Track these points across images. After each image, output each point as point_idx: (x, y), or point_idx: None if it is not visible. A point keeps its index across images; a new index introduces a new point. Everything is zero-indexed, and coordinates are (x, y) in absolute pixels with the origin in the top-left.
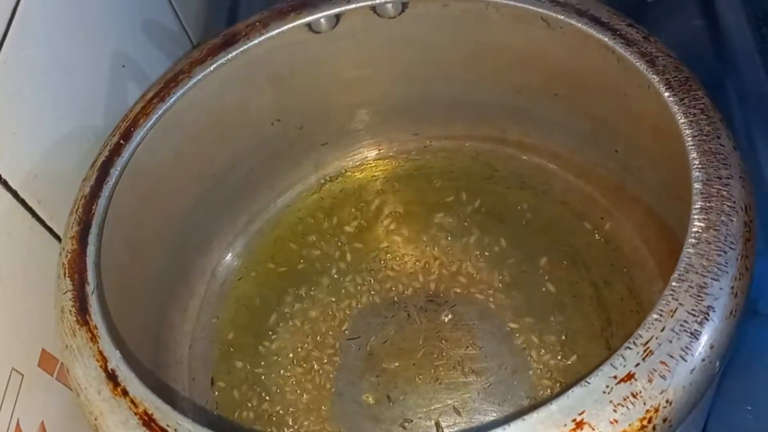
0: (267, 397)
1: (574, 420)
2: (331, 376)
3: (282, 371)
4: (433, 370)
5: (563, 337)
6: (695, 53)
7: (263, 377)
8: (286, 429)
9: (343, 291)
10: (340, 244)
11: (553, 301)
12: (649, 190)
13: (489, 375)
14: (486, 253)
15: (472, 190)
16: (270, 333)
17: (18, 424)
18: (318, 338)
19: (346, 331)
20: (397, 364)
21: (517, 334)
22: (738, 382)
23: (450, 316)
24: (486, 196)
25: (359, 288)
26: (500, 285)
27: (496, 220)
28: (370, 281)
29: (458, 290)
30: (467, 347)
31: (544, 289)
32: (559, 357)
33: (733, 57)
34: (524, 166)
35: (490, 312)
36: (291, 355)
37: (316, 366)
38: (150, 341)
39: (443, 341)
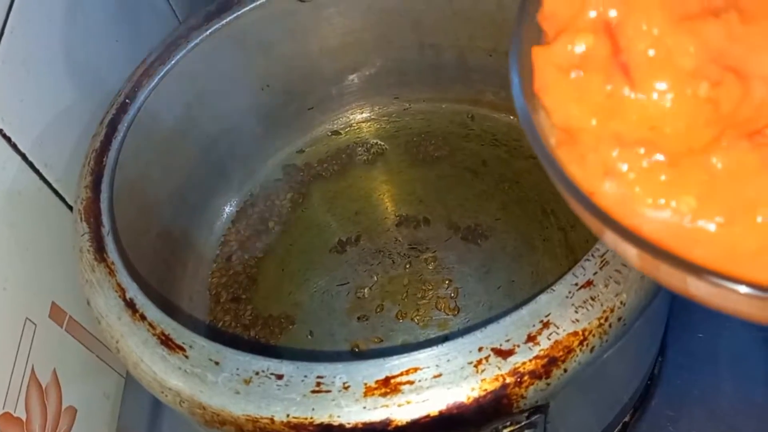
0: (262, 340)
1: (541, 321)
2: (321, 319)
3: (275, 315)
4: (417, 310)
5: (535, 277)
6: None
7: (254, 319)
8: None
9: (330, 241)
10: (326, 199)
11: (525, 245)
12: None
13: (468, 312)
14: (462, 204)
15: (449, 147)
16: (261, 285)
17: (33, 370)
18: (309, 284)
19: (335, 278)
20: (383, 306)
21: (493, 275)
22: (693, 315)
23: (431, 261)
24: (462, 153)
25: (346, 238)
26: (476, 232)
27: (472, 174)
28: (356, 232)
29: (438, 237)
30: (447, 288)
31: (516, 234)
32: (531, 294)
33: None
34: (497, 124)
35: (468, 256)
36: (283, 300)
37: (307, 309)
38: (153, 296)
39: (425, 284)
